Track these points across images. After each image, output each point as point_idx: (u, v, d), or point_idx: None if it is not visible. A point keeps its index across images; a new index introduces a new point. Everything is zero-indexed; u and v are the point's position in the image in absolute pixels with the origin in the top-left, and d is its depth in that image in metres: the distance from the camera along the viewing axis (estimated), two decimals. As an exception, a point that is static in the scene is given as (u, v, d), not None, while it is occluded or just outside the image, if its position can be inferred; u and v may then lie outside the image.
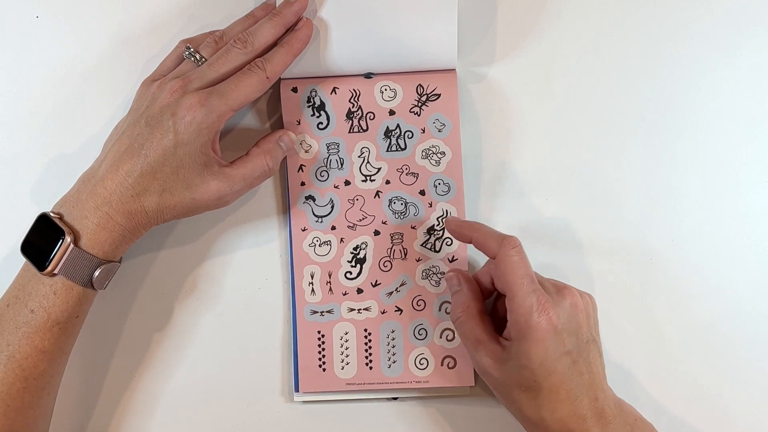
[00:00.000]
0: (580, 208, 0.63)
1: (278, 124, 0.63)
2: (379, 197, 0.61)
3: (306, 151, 0.61)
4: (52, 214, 0.55)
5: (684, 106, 0.63)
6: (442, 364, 0.61)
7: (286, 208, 0.62)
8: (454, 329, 0.60)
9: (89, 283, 0.55)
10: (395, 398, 0.62)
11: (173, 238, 0.63)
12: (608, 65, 0.63)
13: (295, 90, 0.61)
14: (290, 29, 0.58)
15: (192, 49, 0.58)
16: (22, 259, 0.55)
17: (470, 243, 0.57)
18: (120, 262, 0.57)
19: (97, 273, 0.54)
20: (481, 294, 0.58)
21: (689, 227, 0.63)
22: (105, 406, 0.62)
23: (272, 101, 0.63)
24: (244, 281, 0.63)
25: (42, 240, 0.54)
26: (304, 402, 0.62)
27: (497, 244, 0.54)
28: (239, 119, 0.63)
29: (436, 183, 0.61)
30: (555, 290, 0.54)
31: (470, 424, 0.62)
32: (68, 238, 0.53)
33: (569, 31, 0.63)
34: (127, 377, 0.62)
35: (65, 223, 0.54)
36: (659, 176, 0.63)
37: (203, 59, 0.57)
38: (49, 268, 0.53)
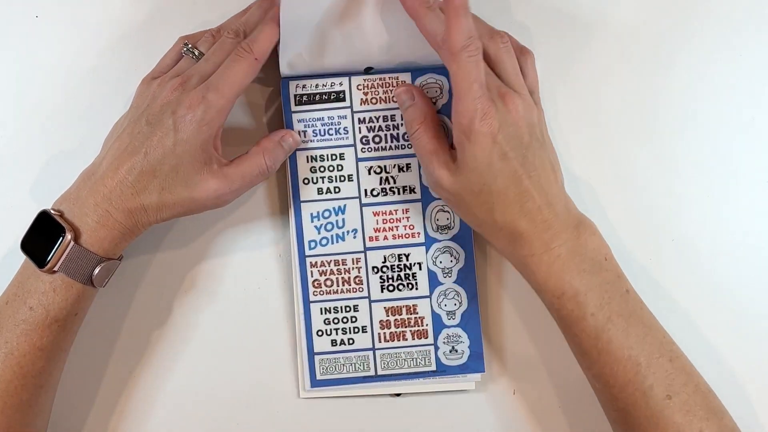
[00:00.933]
0: (579, 207, 0.62)
1: (276, 122, 0.62)
2: None
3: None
4: (52, 211, 0.55)
5: (684, 106, 0.63)
6: None
7: (285, 208, 0.62)
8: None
9: (89, 281, 0.54)
10: (398, 395, 0.62)
11: (173, 236, 0.63)
12: (607, 65, 0.63)
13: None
14: None
15: (190, 45, 0.58)
16: (22, 257, 0.55)
17: (419, 20, 0.56)
18: (120, 260, 0.57)
19: (97, 270, 0.54)
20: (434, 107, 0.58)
21: (689, 227, 0.63)
22: (104, 405, 0.62)
23: (271, 100, 0.63)
24: (243, 280, 0.63)
25: (42, 237, 0.54)
26: (306, 399, 0.62)
27: (460, 45, 0.52)
28: (240, 118, 0.63)
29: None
30: (498, 96, 0.54)
31: (475, 418, 0.62)
32: (68, 236, 0.53)
33: (568, 31, 0.63)
34: (126, 376, 0.62)
35: (65, 220, 0.54)
36: (659, 176, 0.63)
37: (201, 54, 0.57)
38: (49, 265, 0.53)
